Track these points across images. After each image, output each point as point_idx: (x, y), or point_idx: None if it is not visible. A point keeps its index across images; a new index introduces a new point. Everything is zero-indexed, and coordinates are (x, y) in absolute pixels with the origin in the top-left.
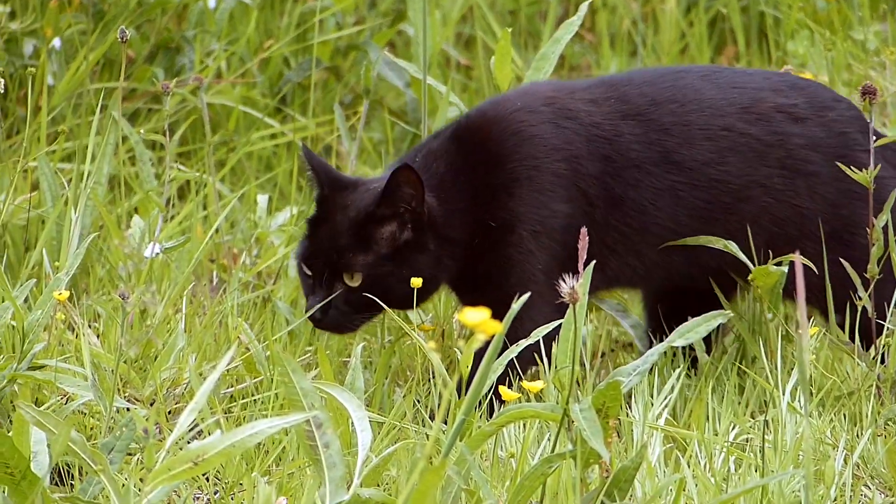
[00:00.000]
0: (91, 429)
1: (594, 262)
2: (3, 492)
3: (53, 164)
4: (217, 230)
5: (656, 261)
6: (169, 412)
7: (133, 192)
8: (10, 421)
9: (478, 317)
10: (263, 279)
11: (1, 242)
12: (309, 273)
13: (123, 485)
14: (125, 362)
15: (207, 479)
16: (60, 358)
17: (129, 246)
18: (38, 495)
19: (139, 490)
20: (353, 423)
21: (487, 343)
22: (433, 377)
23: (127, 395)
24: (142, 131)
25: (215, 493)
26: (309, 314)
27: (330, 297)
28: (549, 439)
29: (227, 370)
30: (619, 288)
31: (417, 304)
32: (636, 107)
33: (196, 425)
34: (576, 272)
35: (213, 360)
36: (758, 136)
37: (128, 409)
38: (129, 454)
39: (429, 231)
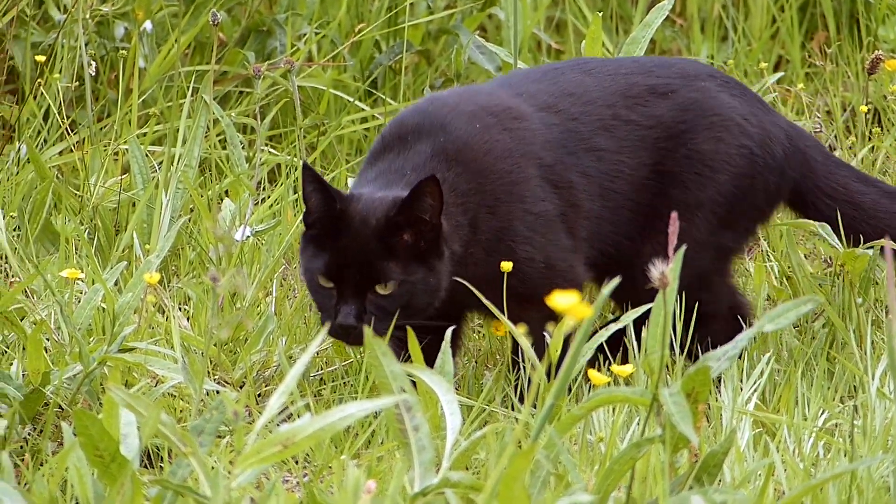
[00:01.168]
0: (181, 411)
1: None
2: (93, 474)
3: (144, 146)
4: None
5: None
6: (258, 395)
7: (224, 175)
8: (101, 403)
9: (567, 301)
10: None
11: (91, 225)
12: (330, 286)
13: (213, 467)
14: (215, 345)
15: (297, 462)
16: (150, 340)
17: (219, 229)
18: (127, 477)
19: (228, 473)
20: (442, 406)
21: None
22: (522, 361)
23: (217, 377)
24: (233, 114)
25: (304, 476)
26: (341, 324)
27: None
28: (638, 424)
29: (317, 353)
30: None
31: (427, 315)
32: (544, 101)
33: (286, 408)
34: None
35: (303, 343)
36: (638, 120)
37: (217, 392)
38: (219, 437)
39: (442, 242)
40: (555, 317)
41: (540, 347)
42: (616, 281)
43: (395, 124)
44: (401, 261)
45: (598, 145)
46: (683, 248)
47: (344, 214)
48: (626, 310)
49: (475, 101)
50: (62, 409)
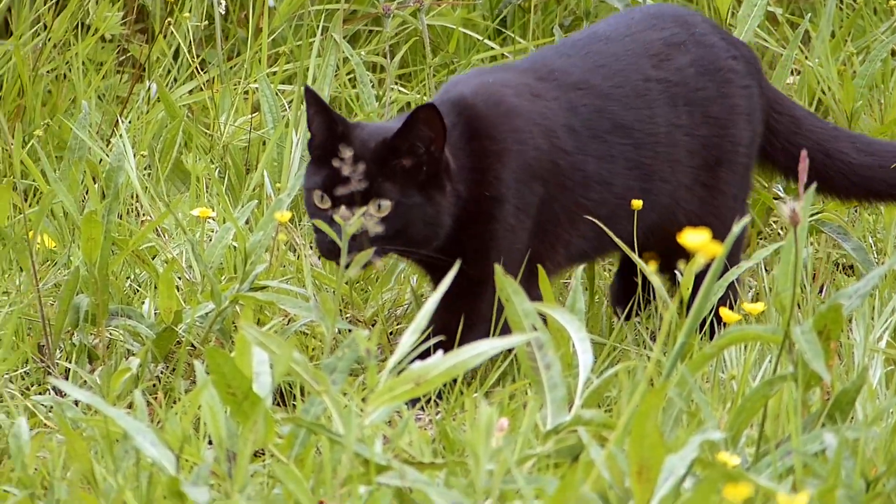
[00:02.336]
0: (313, 349)
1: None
2: (226, 412)
3: (274, 85)
4: None
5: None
6: (390, 333)
7: (353, 114)
8: (232, 342)
9: (699, 238)
10: None
11: (222, 164)
12: (327, 205)
13: (345, 406)
14: (347, 283)
15: (429, 401)
16: (282, 279)
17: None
18: (260, 415)
19: (361, 411)
20: (573, 344)
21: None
22: (653, 299)
23: (349, 316)
24: (362, 53)
25: (437, 415)
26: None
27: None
28: (769, 362)
29: None
30: (579, 264)
31: (425, 250)
32: (576, 78)
33: (417, 346)
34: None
35: None
36: (667, 77)
37: (349, 330)
38: (352, 375)
39: (445, 178)
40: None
41: (475, 336)
42: (745, 221)
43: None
44: (398, 184)
45: (628, 123)
46: (813, 186)
47: (345, 137)
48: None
49: (494, 74)
50: (194, 348)
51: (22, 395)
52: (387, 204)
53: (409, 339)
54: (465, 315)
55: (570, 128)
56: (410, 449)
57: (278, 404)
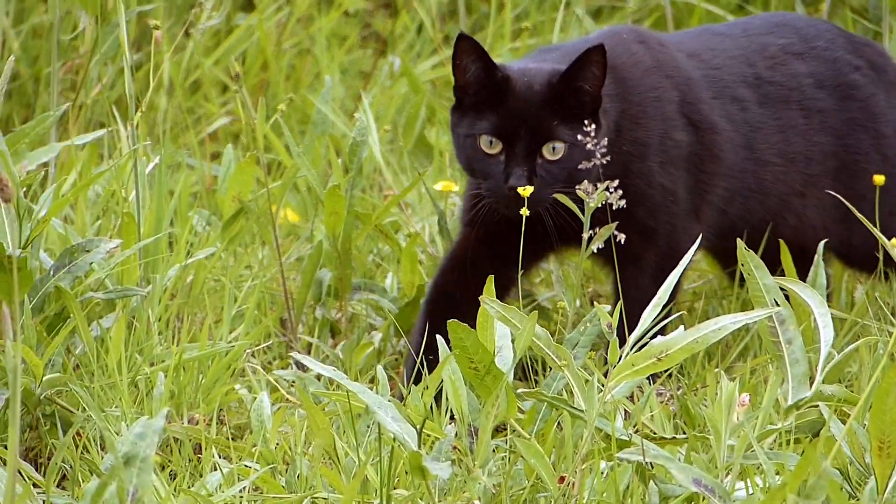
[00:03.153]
0: (555, 324)
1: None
2: (468, 385)
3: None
4: None
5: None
6: None
7: None
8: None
9: None
10: None
11: None
12: (497, 150)
13: (587, 380)
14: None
15: (670, 376)
16: None
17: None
18: (502, 390)
19: (602, 386)
20: (815, 319)
21: None
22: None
23: (590, 291)
24: (604, 28)
25: (678, 390)
26: (513, 186)
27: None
28: None
29: (690, 266)
30: (731, 238)
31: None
32: (690, 48)
33: (658, 321)
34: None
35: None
36: (781, 81)
37: (592, 305)
38: (593, 350)
39: (601, 117)
40: (669, 264)
41: (648, 295)
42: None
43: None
44: (567, 125)
45: (742, 96)
46: None
47: (507, 81)
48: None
49: (621, 32)
50: None
51: (264, 369)
52: (561, 148)
53: (649, 314)
54: (632, 275)
55: (692, 80)
56: (651, 424)
57: (519, 379)
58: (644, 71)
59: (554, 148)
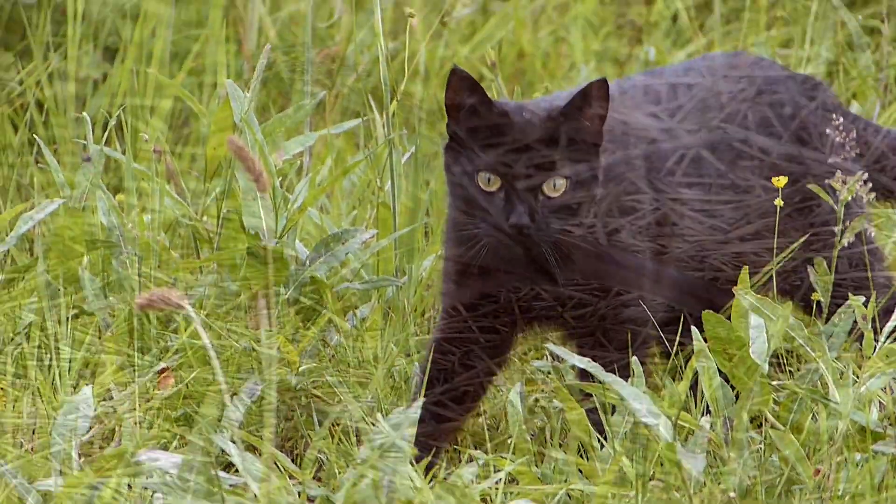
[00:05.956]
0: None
1: None
2: (721, 377)
3: (771, 49)
4: None
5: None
6: None
7: (852, 79)
8: None
9: None
10: None
11: None
12: (495, 187)
13: (842, 372)
14: None
15: None
16: None
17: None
18: (756, 381)
19: (857, 377)
20: None
21: None
22: None
23: None
24: (859, 17)
25: None
26: (516, 223)
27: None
28: None
29: None
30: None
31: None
32: (707, 103)
33: None
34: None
35: None
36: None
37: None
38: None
39: (599, 155)
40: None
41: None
42: None
43: None
44: (567, 161)
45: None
46: None
47: (505, 116)
48: None
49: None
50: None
51: (519, 360)
52: (562, 184)
53: None
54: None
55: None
56: None
57: (775, 370)
58: (620, 126)
59: (555, 184)
